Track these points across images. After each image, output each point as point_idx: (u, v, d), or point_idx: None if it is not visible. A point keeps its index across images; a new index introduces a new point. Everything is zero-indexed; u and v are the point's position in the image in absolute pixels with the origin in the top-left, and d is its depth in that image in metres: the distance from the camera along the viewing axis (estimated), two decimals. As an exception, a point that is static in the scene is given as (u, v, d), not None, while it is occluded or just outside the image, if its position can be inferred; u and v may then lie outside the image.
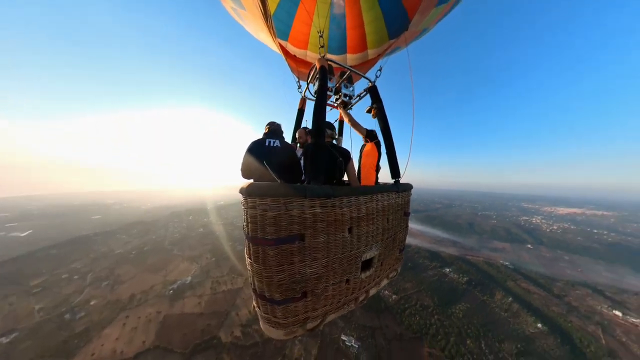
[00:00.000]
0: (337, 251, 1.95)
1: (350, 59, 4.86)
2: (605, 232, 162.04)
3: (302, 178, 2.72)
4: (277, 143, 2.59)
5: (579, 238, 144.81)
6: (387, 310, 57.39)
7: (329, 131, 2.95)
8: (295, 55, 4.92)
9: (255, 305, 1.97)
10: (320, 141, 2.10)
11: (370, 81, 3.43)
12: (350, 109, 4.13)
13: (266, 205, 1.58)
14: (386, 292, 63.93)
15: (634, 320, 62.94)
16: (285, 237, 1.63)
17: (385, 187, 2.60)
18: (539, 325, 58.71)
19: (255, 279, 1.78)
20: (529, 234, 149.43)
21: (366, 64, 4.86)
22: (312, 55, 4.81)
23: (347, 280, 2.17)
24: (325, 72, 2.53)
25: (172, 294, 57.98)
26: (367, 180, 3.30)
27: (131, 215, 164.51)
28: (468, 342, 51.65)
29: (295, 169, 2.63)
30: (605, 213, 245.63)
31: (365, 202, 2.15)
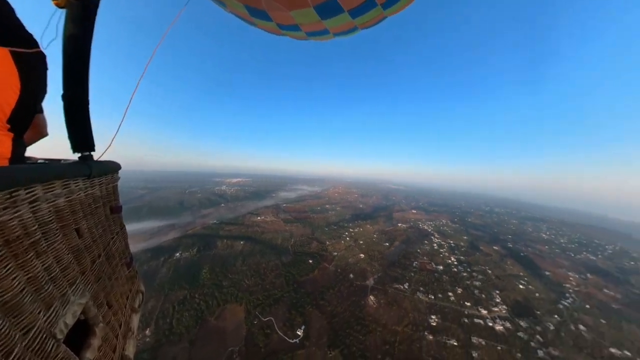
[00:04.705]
0: None
1: None
2: (246, 188, 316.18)
3: None
4: None
5: (241, 193, 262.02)
6: (158, 349, 48.07)
7: None
8: None
9: None
10: None
11: None
12: None
13: None
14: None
15: (265, 218, 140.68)
16: None
17: (54, 169, 1.20)
18: (242, 242, 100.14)
19: None
20: (221, 197, 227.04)
21: None
22: None
23: None
24: None
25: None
26: None
27: None
28: (224, 283, 69.54)
29: None
30: (247, 180, 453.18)
31: None
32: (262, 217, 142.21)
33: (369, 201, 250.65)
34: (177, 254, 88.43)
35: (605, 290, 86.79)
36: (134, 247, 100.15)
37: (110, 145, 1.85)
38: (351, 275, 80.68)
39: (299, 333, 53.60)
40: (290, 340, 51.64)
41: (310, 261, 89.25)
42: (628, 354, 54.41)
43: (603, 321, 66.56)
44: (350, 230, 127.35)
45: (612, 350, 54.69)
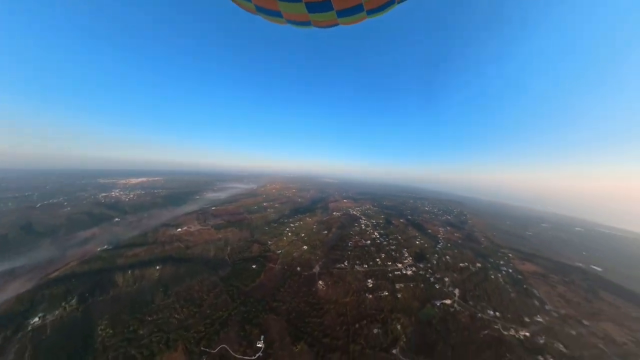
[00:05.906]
0: None
1: None
2: (155, 190, 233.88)
3: None
4: None
5: (148, 198, 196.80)
6: None
7: None
8: None
9: None
10: None
11: None
12: None
13: None
14: None
15: (189, 228, 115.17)
16: None
17: None
18: (158, 267, 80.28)
19: None
20: (112, 208, 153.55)
21: None
22: None
23: None
24: None
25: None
26: None
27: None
28: (142, 332, 54.54)
29: None
30: (156, 179, 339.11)
31: None
32: (185, 228, 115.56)
33: (307, 195, 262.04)
34: (36, 319, 56.67)
35: (455, 234, 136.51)
36: None
37: None
38: (298, 268, 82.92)
39: (259, 345, 50.16)
40: (253, 358, 47.55)
41: (254, 266, 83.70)
42: (466, 264, 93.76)
43: (456, 251, 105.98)
44: (291, 225, 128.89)
45: (461, 264, 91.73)
